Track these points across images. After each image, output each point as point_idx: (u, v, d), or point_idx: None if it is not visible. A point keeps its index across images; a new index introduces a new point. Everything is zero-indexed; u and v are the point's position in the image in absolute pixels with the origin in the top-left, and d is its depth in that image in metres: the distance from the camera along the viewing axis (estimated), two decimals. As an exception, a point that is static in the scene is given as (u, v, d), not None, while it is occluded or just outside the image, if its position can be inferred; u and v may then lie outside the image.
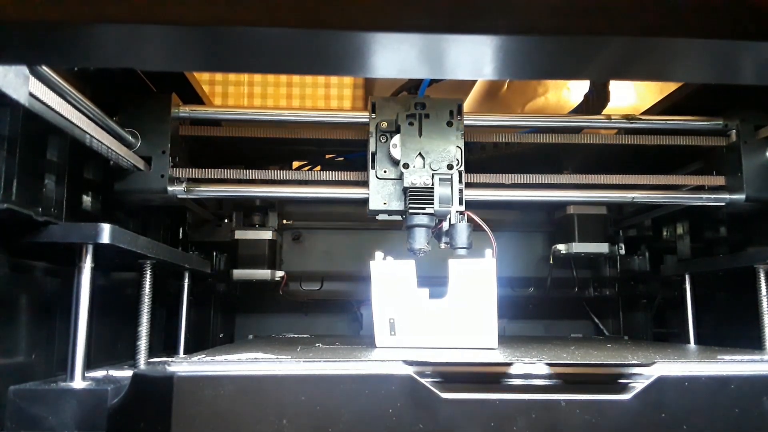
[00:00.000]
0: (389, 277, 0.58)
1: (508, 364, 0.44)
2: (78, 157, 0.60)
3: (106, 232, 0.48)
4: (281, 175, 0.72)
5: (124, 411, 0.44)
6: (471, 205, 0.67)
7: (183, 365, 0.43)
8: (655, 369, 0.43)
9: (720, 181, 0.73)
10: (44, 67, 0.44)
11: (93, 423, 0.44)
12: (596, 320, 1.05)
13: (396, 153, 0.66)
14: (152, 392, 0.42)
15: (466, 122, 0.68)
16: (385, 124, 0.68)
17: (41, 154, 0.54)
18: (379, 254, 0.59)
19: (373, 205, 0.67)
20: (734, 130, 0.73)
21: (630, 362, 0.44)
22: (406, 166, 0.65)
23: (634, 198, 0.73)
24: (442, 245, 0.66)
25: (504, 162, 0.80)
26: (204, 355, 0.50)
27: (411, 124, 0.67)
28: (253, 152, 0.90)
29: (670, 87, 0.80)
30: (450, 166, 0.65)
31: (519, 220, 1.01)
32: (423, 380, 0.42)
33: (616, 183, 0.73)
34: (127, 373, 0.49)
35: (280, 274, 0.93)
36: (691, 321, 0.79)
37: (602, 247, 0.88)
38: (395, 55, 0.25)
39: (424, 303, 0.58)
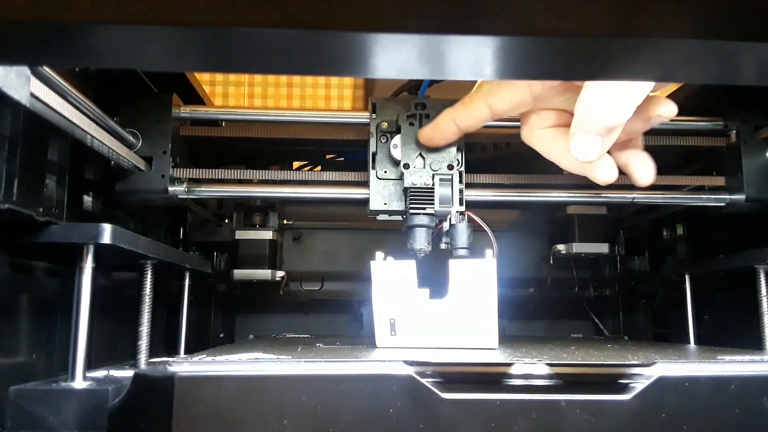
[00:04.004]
0: (390, 277, 0.59)
1: (509, 365, 0.44)
2: (79, 158, 0.61)
3: (107, 233, 0.48)
4: (282, 175, 0.72)
5: (125, 411, 0.44)
6: (471, 205, 0.67)
7: (184, 365, 0.43)
8: (655, 369, 0.43)
9: (720, 181, 0.73)
10: (45, 68, 0.44)
11: (94, 423, 0.44)
12: (596, 320, 1.05)
13: (396, 153, 0.66)
14: (153, 392, 0.42)
15: (466, 122, 0.68)
16: (385, 125, 0.68)
17: (42, 155, 0.54)
18: (379, 254, 0.59)
19: (373, 206, 0.67)
20: (734, 131, 0.73)
21: (630, 362, 0.44)
22: (406, 166, 0.65)
23: (634, 198, 0.73)
24: (443, 245, 0.66)
25: (504, 162, 0.80)
26: (205, 355, 0.50)
27: (411, 124, 0.67)
28: (254, 152, 0.90)
29: (670, 87, 0.80)
30: (450, 167, 0.65)
31: (519, 220, 1.01)
32: (423, 380, 0.42)
33: (616, 183, 0.73)
34: (128, 373, 0.49)
35: (280, 274, 0.93)
36: (691, 321, 0.79)
37: (602, 248, 0.88)
38: (396, 56, 0.25)
39: (425, 303, 0.58)
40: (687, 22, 0.23)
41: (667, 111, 0.55)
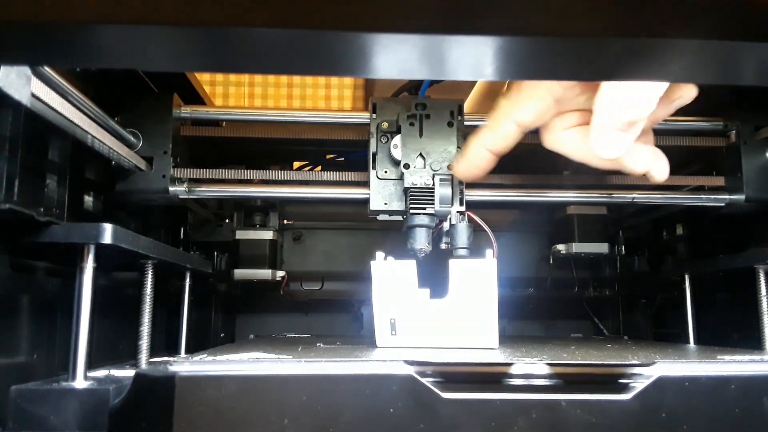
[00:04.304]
0: (390, 277, 0.59)
1: (509, 364, 0.44)
2: (79, 158, 0.61)
3: (108, 233, 0.48)
4: (282, 175, 0.72)
5: (126, 411, 0.44)
6: (471, 205, 0.67)
7: (185, 365, 0.43)
8: (655, 369, 0.43)
9: (720, 181, 0.74)
10: (46, 68, 0.44)
11: (95, 423, 0.44)
12: (596, 320, 1.05)
13: (397, 153, 0.66)
14: (154, 392, 0.42)
15: (466, 123, 0.68)
16: (385, 125, 0.68)
17: (43, 155, 0.54)
18: (379, 254, 0.59)
19: (373, 206, 0.67)
20: (734, 131, 0.73)
21: (630, 362, 0.44)
22: (406, 166, 0.65)
23: (634, 198, 0.73)
24: (443, 245, 0.66)
25: (504, 162, 0.80)
26: (205, 355, 0.50)
27: (412, 124, 0.67)
28: (254, 152, 0.90)
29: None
30: (451, 167, 0.65)
31: (519, 220, 1.01)
32: (424, 380, 0.42)
33: (616, 183, 0.73)
34: (129, 372, 0.49)
35: (280, 273, 0.93)
36: (691, 321, 0.79)
37: (602, 248, 0.88)
38: (396, 56, 0.25)
39: (425, 303, 0.58)
40: (687, 22, 0.23)
41: (688, 93, 0.54)
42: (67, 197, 0.57)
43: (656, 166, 0.56)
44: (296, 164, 1.00)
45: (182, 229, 0.91)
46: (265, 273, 0.90)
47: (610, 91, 0.47)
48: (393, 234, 0.95)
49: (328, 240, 1.02)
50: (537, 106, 0.55)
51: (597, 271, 1.04)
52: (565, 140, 0.57)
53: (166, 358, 0.58)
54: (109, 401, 0.44)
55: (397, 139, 0.66)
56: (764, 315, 0.66)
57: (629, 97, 0.46)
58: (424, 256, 0.66)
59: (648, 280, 0.98)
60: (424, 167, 0.65)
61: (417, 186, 0.65)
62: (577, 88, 0.54)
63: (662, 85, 0.46)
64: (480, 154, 0.58)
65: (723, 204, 0.73)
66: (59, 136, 0.55)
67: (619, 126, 0.47)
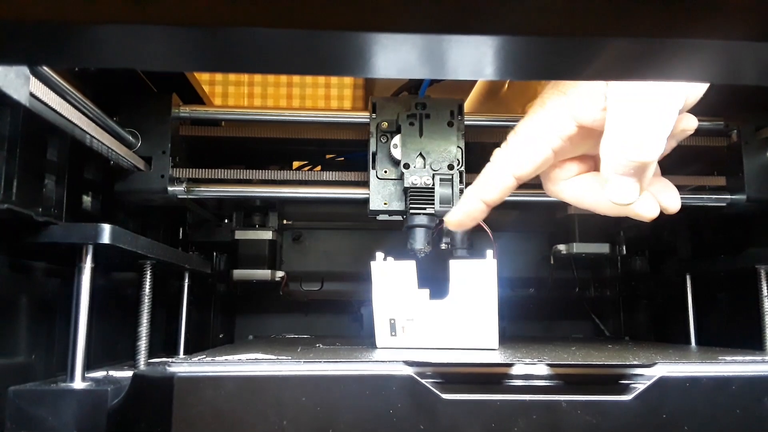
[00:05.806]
0: (390, 278, 0.58)
1: (509, 365, 0.44)
2: (78, 158, 0.60)
3: (106, 233, 0.48)
4: (281, 175, 0.72)
5: (124, 411, 0.44)
6: (471, 205, 0.67)
7: (183, 366, 0.43)
8: (656, 369, 0.43)
9: (721, 181, 0.73)
10: (45, 68, 0.44)
11: (93, 423, 0.44)
12: (597, 321, 1.05)
13: (396, 153, 0.66)
14: (152, 393, 0.42)
15: (466, 122, 0.68)
16: (385, 124, 0.68)
17: (41, 155, 0.54)
18: (379, 254, 0.59)
19: (373, 206, 0.66)
20: (735, 131, 0.73)
21: (631, 363, 0.44)
22: (406, 166, 0.65)
23: (634, 198, 0.72)
24: (443, 245, 0.66)
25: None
26: (204, 356, 0.50)
27: (412, 124, 0.67)
28: (254, 152, 0.90)
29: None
30: (451, 167, 0.65)
31: (519, 221, 1.01)
32: (423, 381, 0.42)
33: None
34: (127, 373, 0.49)
35: (280, 274, 0.93)
36: (692, 321, 0.79)
37: (603, 248, 0.88)
38: (396, 56, 0.25)
39: (425, 303, 0.58)
40: (687, 22, 0.23)
41: (690, 124, 0.53)
42: (66, 197, 0.57)
43: (667, 199, 0.55)
44: (296, 164, 1.00)
45: (181, 229, 0.91)
46: (264, 273, 0.90)
47: (615, 135, 0.45)
48: (393, 234, 0.95)
49: (328, 240, 1.02)
50: (536, 158, 0.53)
51: (598, 271, 1.04)
52: (566, 189, 0.56)
53: (164, 359, 0.58)
54: (108, 402, 0.44)
55: (396, 139, 0.66)
56: (765, 315, 0.66)
57: (637, 139, 0.44)
58: (424, 256, 0.66)
59: (649, 280, 0.97)
60: (424, 167, 0.65)
61: (417, 186, 0.65)
62: (576, 137, 0.52)
63: (670, 123, 0.45)
64: (475, 205, 0.56)
65: (724, 204, 0.72)
66: (58, 135, 0.55)
67: (631, 171, 0.46)
